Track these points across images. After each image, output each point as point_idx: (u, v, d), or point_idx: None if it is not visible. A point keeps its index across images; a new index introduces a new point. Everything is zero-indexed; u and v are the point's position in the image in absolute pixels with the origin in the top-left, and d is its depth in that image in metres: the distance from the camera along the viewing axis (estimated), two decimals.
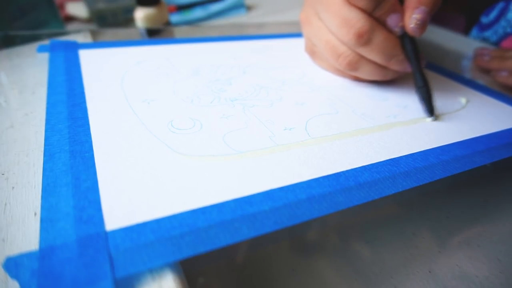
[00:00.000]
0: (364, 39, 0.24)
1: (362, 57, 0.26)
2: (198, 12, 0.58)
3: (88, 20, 0.54)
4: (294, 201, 0.16)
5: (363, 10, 0.25)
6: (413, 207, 0.22)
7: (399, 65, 0.26)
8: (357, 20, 0.24)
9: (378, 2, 0.24)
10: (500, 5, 0.47)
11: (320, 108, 0.24)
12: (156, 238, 0.13)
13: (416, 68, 0.26)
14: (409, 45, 0.25)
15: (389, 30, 0.25)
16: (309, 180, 0.17)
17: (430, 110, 0.25)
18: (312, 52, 0.31)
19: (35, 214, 0.15)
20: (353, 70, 0.27)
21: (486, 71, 0.37)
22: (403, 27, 0.25)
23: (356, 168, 0.18)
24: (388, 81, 0.29)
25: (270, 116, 0.22)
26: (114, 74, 0.25)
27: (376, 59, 0.26)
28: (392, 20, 0.25)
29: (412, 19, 0.24)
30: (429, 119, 0.25)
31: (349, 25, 0.24)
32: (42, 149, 0.17)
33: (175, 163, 0.17)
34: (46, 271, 0.11)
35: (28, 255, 0.12)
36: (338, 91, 0.27)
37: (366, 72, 0.27)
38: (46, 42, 0.29)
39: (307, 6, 0.29)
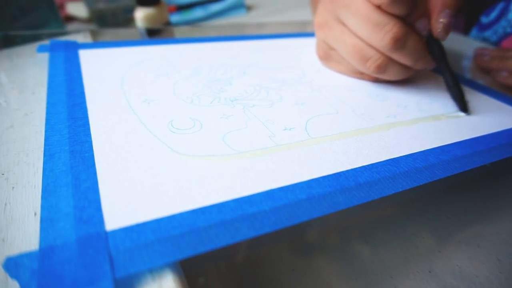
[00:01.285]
0: (400, 43, 0.25)
1: (391, 60, 0.27)
2: (198, 12, 0.58)
3: (88, 20, 0.54)
4: (294, 201, 0.16)
5: (395, 16, 0.25)
6: (413, 207, 0.22)
7: (425, 65, 0.27)
8: (392, 26, 0.25)
9: (412, 9, 0.25)
10: (501, 5, 0.47)
11: (320, 108, 0.24)
12: (156, 238, 0.13)
13: (446, 69, 0.27)
14: (436, 47, 0.27)
15: (417, 33, 0.26)
16: (309, 180, 0.17)
17: (464, 107, 0.26)
18: (326, 55, 0.31)
19: (35, 214, 0.15)
20: (380, 73, 0.27)
21: (486, 71, 0.37)
22: (430, 31, 0.26)
23: (356, 168, 0.18)
24: (389, 81, 0.29)
25: (270, 116, 0.22)
26: (114, 74, 0.25)
27: (406, 61, 0.26)
28: (421, 24, 0.26)
29: (439, 23, 0.25)
30: (462, 115, 0.26)
31: (385, 30, 0.25)
32: (42, 149, 0.17)
33: (175, 163, 0.17)
34: (46, 271, 0.11)
35: (28, 255, 0.12)
36: (338, 91, 0.27)
37: (392, 73, 0.27)
38: (46, 42, 0.29)
39: (324, 11, 0.29)
